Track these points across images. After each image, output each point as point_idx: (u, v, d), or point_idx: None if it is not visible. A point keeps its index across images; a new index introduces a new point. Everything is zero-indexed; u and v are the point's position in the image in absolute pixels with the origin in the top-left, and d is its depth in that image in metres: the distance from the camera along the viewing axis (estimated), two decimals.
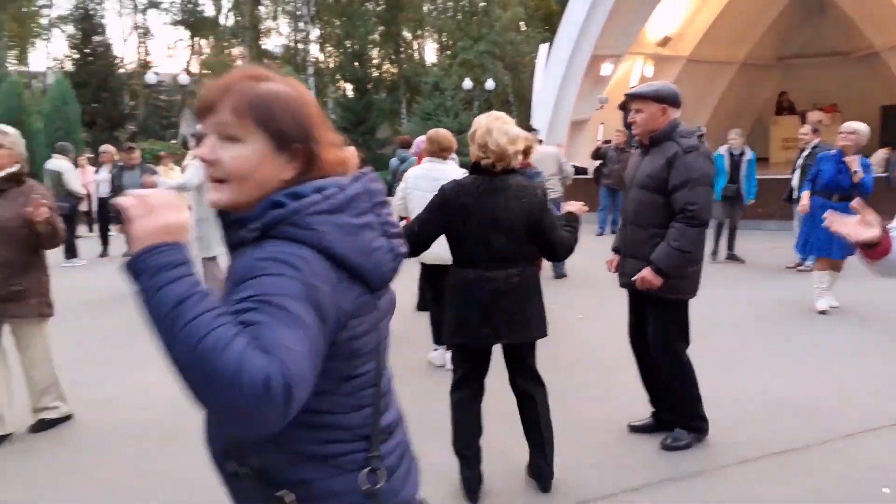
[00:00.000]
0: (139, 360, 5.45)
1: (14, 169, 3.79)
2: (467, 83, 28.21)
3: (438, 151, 4.93)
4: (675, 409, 3.65)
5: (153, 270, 0.98)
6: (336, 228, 1.14)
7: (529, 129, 9.25)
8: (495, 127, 2.95)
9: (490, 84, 28.51)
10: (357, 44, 33.90)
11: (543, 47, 18.04)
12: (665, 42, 17.05)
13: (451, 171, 4.87)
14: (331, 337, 1.12)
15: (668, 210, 3.38)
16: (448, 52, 35.72)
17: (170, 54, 42.86)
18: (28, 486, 3.30)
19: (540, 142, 8.80)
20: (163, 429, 3.99)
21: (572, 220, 3.18)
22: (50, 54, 39.19)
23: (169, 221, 1.03)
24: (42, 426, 3.98)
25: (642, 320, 3.68)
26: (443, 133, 5.03)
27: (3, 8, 32.11)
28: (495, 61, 32.37)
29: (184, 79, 27.71)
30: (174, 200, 1.05)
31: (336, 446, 1.20)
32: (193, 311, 0.95)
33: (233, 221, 1.18)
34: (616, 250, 3.78)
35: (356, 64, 32.25)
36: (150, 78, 27.43)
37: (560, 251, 3.12)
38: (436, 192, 3.06)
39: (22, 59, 35.71)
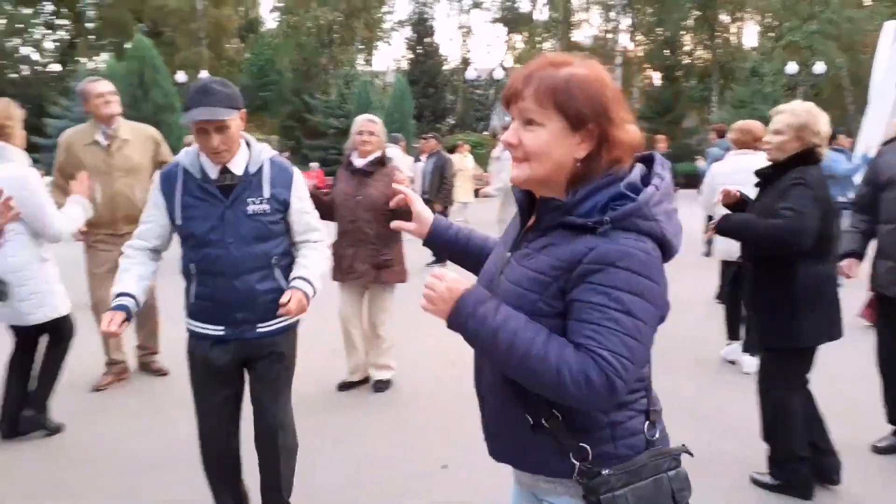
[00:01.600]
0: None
1: (380, 154, 4.29)
2: (791, 67, 25.74)
3: (752, 142, 4.78)
4: None
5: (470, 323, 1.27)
6: (665, 216, 1.25)
7: None
8: (818, 113, 2.95)
9: (820, 67, 25.63)
10: (669, 30, 32.94)
11: (889, 24, 15.78)
12: None
13: (763, 162, 4.71)
14: (659, 321, 1.27)
15: None
16: (771, 35, 32.84)
17: (487, 51, 46.19)
18: (347, 428, 3.96)
19: None
20: (447, 389, 4.47)
21: None
22: (389, 55, 44.77)
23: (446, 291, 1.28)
24: (381, 387, 4.47)
25: None
26: (754, 123, 4.90)
27: (357, 16, 37.60)
28: (827, 41, 28.92)
29: (498, 73, 29.76)
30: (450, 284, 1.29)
31: (634, 394, 1.32)
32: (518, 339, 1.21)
33: (555, 207, 1.26)
34: (852, 254, 3.47)
35: (666, 51, 31.41)
36: (470, 74, 29.98)
37: None
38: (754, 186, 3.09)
39: (368, 60, 41.50)
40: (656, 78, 30.45)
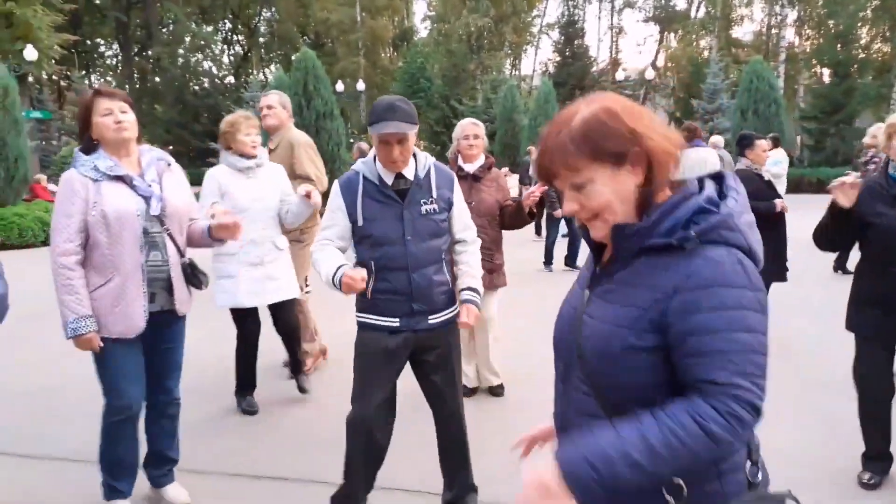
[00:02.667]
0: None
1: (485, 157, 4.24)
2: None
3: None
4: None
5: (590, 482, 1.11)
6: (748, 227, 1.20)
7: None
8: None
9: None
10: (843, 23, 30.38)
11: None
12: None
13: None
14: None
15: None
16: None
17: (638, 51, 44.98)
18: (481, 421, 4.19)
19: None
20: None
21: None
22: (536, 59, 44.89)
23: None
24: (498, 392, 4.42)
25: None
26: None
27: (506, 21, 38.03)
28: None
29: (650, 74, 28.92)
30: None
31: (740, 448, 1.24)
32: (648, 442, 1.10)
33: (632, 233, 1.20)
34: None
35: (838, 46, 28.97)
36: (619, 74, 29.40)
37: None
38: None
39: (515, 64, 41.81)
40: (825, 74, 28.19)
